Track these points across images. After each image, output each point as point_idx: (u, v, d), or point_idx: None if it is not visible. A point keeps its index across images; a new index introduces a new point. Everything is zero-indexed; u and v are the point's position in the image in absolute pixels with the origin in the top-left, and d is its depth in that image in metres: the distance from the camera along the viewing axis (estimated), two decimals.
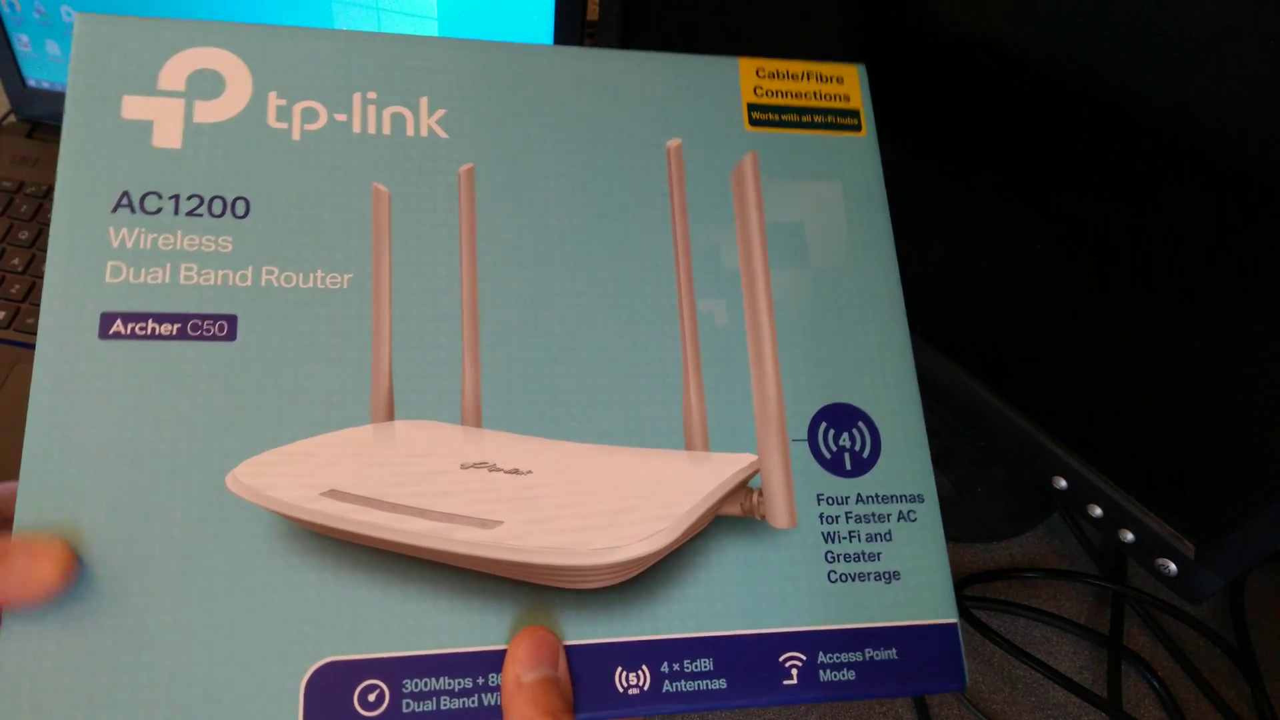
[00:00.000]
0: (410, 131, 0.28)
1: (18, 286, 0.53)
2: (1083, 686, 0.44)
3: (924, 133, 0.41)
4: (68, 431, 0.23)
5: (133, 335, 0.24)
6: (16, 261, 0.54)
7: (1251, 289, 0.32)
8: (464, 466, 0.25)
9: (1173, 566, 0.38)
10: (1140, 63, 0.32)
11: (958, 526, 0.51)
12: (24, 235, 0.55)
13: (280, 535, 0.24)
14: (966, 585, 0.49)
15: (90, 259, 0.25)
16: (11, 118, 0.61)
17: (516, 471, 0.25)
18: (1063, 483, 0.41)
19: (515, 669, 0.23)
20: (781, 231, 0.29)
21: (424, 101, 0.28)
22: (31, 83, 0.59)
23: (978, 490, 0.52)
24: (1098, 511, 0.40)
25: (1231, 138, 0.30)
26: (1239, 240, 0.32)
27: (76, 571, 0.22)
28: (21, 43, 0.57)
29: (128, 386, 0.24)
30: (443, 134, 0.28)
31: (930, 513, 0.27)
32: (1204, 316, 0.33)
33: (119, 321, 0.24)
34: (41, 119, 0.61)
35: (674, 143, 0.29)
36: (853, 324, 0.29)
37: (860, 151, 0.31)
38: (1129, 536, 0.39)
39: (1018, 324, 0.41)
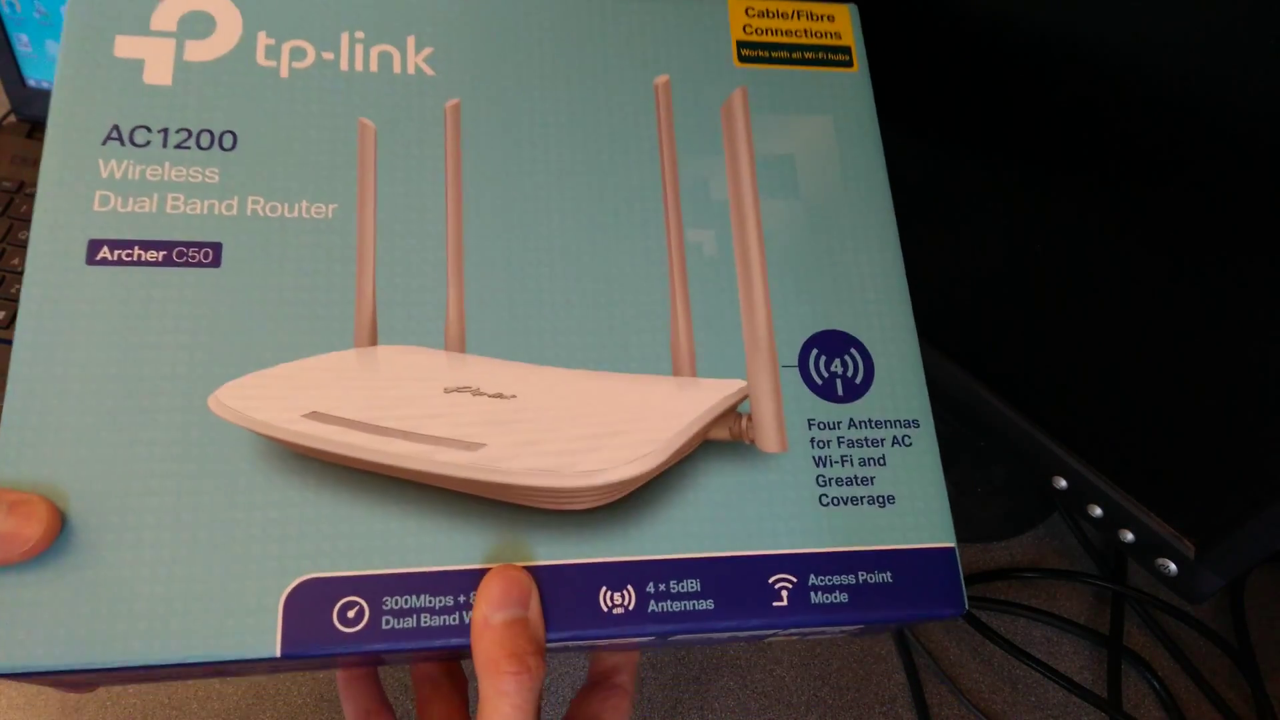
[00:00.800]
0: (397, 69, 0.28)
1: (18, 286, 0.53)
2: (1083, 686, 0.44)
3: (919, 129, 0.41)
4: (52, 355, 0.23)
5: (119, 261, 0.25)
6: (17, 261, 0.54)
7: (1252, 288, 0.32)
8: (447, 390, 0.25)
9: (1173, 566, 0.38)
10: (1145, 57, 0.32)
11: (958, 526, 0.51)
12: (24, 235, 0.55)
13: (261, 456, 0.24)
14: (966, 585, 0.49)
15: (79, 189, 0.25)
16: (11, 118, 0.61)
17: (500, 396, 0.25)
18: (1063, 483, 0.41)
19: (485, 608, 0.23)
20: (772, 164, 0.29)
21: (411, 40, 0.28)
22: (31, 83, 0.59)
23: (978, 490, 0.52)
24: (1098, 511, 0.40)
25: (1231, 138, 0.30)
26: (1239, 239, 0.32)
27: (59, 528, 0.22)
28: (21, 43, 0.57)
29: (113, 311, 0.24)
30: (430, 72, 0.28)
31: (926, 438, 0.27)
32: (1204, 316, 0.33)
33: (105, 248, 0.25)
34: (41, 119, 0.61)
35: (661, 78, 0.29)
36: (845, 253, 0.28)
37: (852, 86, 0.31)
38: (1129, 536, 0.39)
39: (1017, 324, 0.41)
